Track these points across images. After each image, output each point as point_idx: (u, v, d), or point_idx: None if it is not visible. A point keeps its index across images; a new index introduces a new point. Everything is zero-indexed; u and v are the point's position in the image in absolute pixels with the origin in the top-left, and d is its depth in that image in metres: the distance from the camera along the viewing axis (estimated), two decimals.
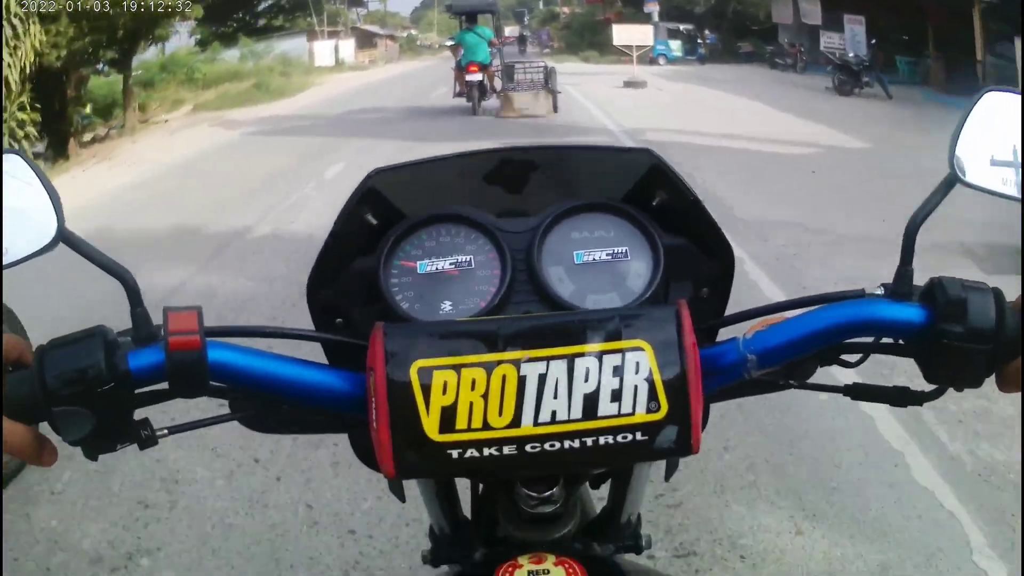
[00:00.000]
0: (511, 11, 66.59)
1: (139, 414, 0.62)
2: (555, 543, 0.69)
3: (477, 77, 12.81)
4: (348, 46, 36.05)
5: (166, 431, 0.63)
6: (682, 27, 29.78)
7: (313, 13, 35.34)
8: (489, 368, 0.55)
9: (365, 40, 41.94)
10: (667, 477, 0.80)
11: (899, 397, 0.70)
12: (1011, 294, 0.61)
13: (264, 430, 0.69)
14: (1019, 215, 0.65)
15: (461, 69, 13.10)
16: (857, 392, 0.71)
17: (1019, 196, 0.63)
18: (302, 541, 2.24)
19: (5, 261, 0.60)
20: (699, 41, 28.99)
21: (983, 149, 0.65)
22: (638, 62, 20.02)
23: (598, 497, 0.87)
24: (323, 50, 32.65)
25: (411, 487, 0.77)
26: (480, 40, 13.09)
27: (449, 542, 0.82)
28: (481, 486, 0.82)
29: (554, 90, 12.77)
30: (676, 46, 29.37)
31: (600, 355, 0.56)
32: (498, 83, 13.19)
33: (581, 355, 0.56)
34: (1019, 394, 0.61)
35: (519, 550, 0.67)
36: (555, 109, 12.57)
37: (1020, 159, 0.63)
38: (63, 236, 0.60)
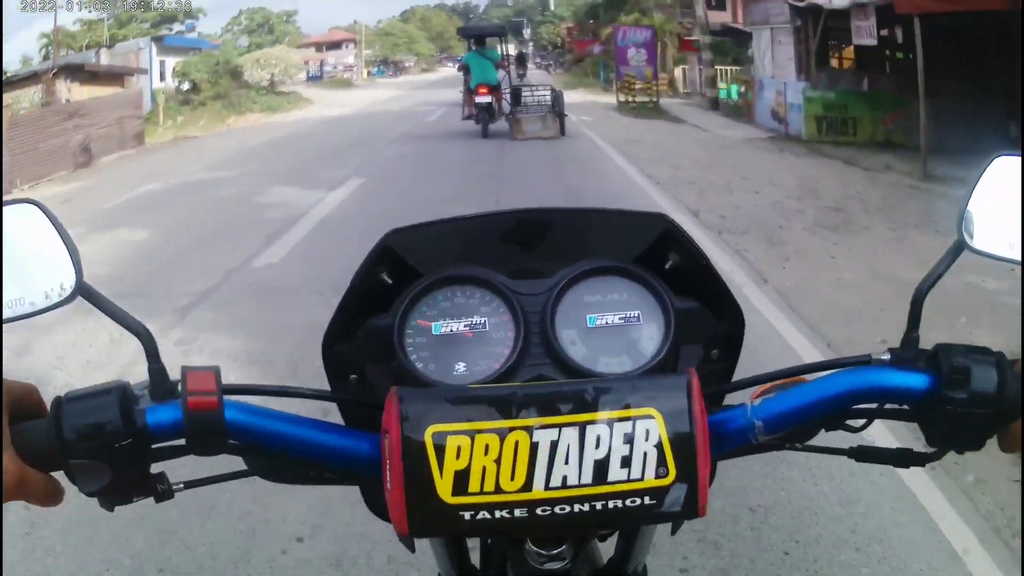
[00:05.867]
0: (506, 23, 58.37)
1: (155, 467, 0.63)
2: None
3: (487, 99, 12.80)
4: None
5: (182, 485, 0.65)
6: None
7: None
8: (502, 434, 0.56)
9: None
10: (673, 532, 0.80)
11: (902, 458, 0.71)
12: None
13: (279, 481, 0.71)
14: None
15: (471, 91, 13.08)
16: (861, 454, 0.72)
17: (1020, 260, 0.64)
18: None
19: (23, 311, 0.60)
20: None
21: (991, 215, 0.65)
22: None
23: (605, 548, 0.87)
24: None
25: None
26: (488, 62, 13.16)
27: None
28: (491, 541, 0.83)
29: (561, 113, 12.85)
30: None
31: (611, 422, 0.57)
32: (506, 106, 13.22)
33: (592, 422, 0.57)
34: None
35: None
36: (562, 132, 12.66)
37: (1021, 221, 0.63)
38: (82, 289, 0.61)
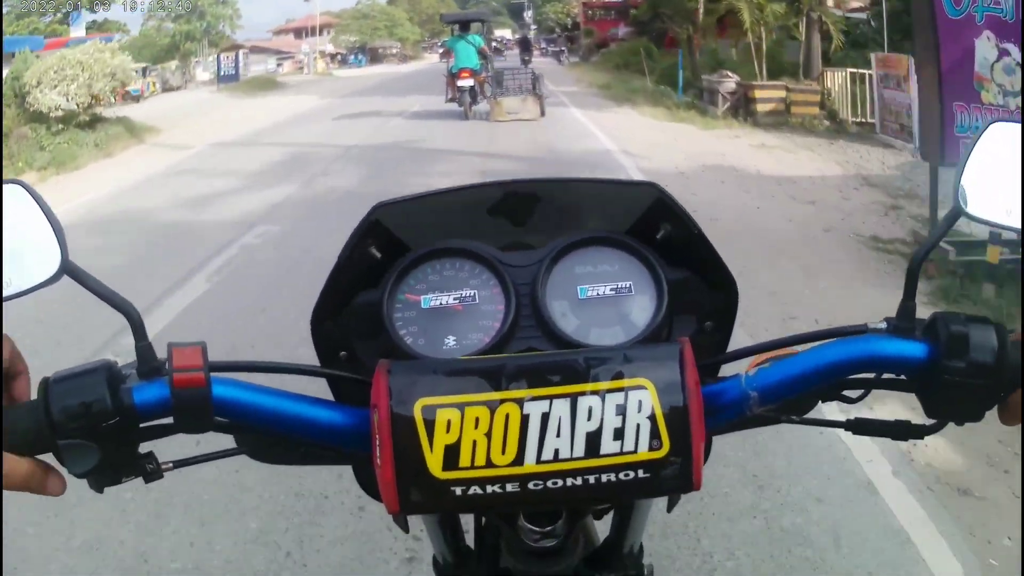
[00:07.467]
0: (505, 5, 51.49)
1: (143, 447, 0.62)
2: (558, 575, 0.70)
3: (468, 83, 13.08)
4: None
5: (171, 464, 0.64)
6: None
7: None
8: (492, 407, 0.55)
9: None
10: (669, 509, 0.79)
11: (900, 431, 0.70)
12: None
13: (269, 461, 0.70)
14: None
15: (453, 75, 13.34)
16: (858, 427, 0.71)
17: (1019, 227, 0.63)
18: None
19: (7, 293, 0.60)
20: None
21: (988, 181, 0.64)
22: None
23: (601, 527, 0.87)
24: None
25: (415, 516, 0.77)
26: (471, 47, 13.34)
27: (452, 573, 0.82)
28: (484, 518, 0.82)
29: (541, 95, 13.10)
30: None
31: (603, 393, 0.56)
32: (488, 89, 13.45)
33: (584, 394, 0.56)
34: None
35: None
36: (542, 113, 12.90)
37: (1021, 187, 0.63)
38: (67, 268, 0.60)
